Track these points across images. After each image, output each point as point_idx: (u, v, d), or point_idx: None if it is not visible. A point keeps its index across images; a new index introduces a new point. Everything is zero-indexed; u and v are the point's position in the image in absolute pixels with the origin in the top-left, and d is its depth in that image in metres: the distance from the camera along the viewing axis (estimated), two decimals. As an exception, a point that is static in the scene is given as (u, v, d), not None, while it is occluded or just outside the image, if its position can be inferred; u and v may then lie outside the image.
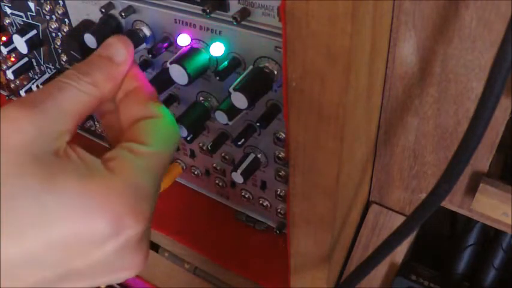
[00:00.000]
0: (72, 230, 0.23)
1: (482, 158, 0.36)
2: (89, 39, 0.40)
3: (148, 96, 0.30)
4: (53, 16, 0.51)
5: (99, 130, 0.62)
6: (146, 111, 0.29)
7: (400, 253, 0.45)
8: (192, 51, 0.39)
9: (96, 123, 0.61)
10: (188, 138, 0.43)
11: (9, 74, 0.58)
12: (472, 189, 0.38)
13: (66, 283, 0.25)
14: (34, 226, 0.22)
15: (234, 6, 0.35)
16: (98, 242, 0.24)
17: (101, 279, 0.26)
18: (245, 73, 0.36)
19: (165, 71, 0.38)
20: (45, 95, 0.26)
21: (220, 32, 0.38)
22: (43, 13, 0.52)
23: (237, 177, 0.43)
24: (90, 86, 0.27)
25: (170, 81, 0.39)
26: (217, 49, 0.38)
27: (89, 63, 0.29)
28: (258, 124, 0.38)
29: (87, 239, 0.24)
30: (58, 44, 0.54)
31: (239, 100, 0.35)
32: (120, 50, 0.30)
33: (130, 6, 0.41)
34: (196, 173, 0.53)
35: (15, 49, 0.54)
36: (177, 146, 0.31)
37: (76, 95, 0.27)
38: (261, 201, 0.49)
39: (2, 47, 0.54)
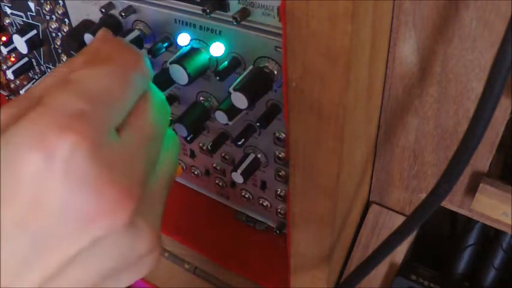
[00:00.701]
0: (20, 178, 0.20)
1: (482, 158, 0.36)
2: (89, 39, 0.40)
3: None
4: (53, 16, 0.51)
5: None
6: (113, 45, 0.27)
7: (400, 253, 0.45)
8: (192, 51, 0.39)
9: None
10: (188, 138, 0.43)
11: (9, 74, 0.58)
12: (472, 189, 0.38)
13: (44, 253, 0.21)
14: (5, 193, 0.21)
15: (234, 6, 0.35)
16: (40, 179, 0.20)
17: (81, 241, 0.22)
18: (245, 73, 0.36)
19: (165, 71, 0.38)
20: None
21: (220, 32, 0.38)
22: (43, 13, 0.52)
23: (237, 177, 0.43)
24: (58, 68, 0.26)
25: (170, 81, 0.39)
26: (217, 49, 0.38)
27: None
28: (258, 124, 0.38)
29: (30, 180, 0.20)
30: (58, 44, 0.54)
31: (239, 100, 0.35)
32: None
33: (130, 6, 0.41)
34: (196, 173, 0.53)
35: (15, 49, 0.54)
36: (144, 74, 0.26)
37: (45, 79, 0.26)
38: (261, 201, 0.49)
39: (2, 47, 0.54)
